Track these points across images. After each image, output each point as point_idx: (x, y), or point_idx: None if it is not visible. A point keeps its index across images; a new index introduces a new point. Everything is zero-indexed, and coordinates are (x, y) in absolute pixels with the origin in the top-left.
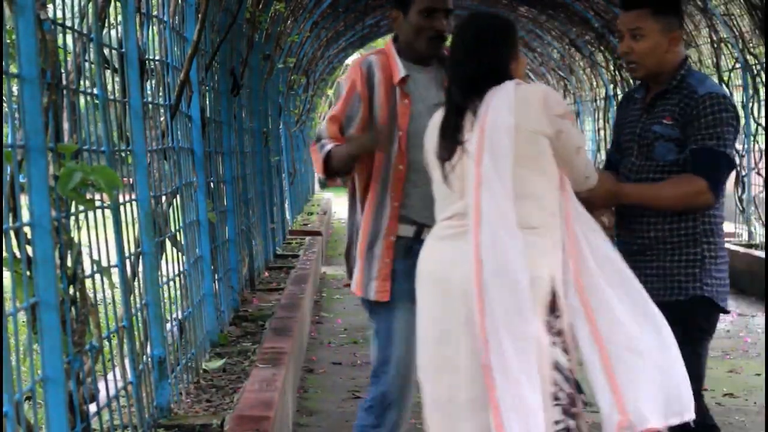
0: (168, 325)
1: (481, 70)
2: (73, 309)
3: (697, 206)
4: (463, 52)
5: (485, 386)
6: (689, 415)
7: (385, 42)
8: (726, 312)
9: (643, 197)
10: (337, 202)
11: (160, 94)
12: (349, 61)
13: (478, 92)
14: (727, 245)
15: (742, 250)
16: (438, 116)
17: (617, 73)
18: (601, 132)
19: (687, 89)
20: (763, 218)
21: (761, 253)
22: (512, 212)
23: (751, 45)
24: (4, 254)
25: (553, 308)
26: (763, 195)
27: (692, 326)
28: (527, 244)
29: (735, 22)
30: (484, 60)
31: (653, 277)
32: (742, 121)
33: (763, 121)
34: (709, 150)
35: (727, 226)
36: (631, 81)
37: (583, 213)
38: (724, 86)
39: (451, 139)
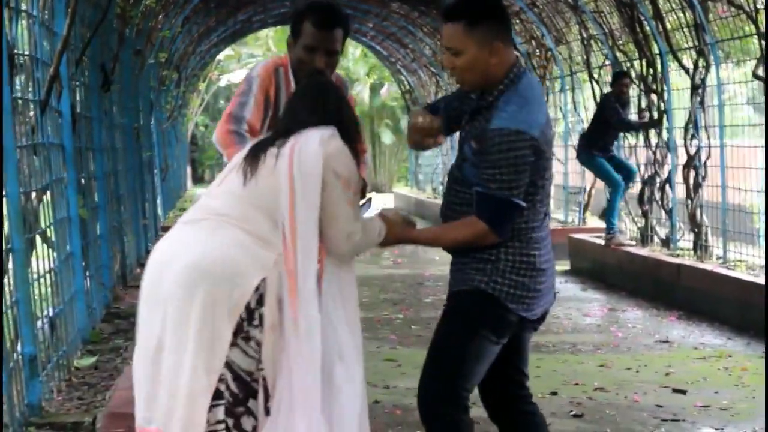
0: (39, 323)
1: (302, 118)
2: None
3: (482, 245)
4: (302, 103)
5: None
6: None
7: (266, 38)
8: (519, 316)
9: (426, 241)
10: None
11: (30, 89)
12: (221, 56)
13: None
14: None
15: (612, 245)
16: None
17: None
18: None
19: (491, 113)
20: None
21: (631, 249)
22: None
23: (620, 42)
24: None
25: (251, 316)
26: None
27: (469, 316)
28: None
29: (605, 19)
30: (308, 118)
31: (455, 271)
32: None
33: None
34: (491, 195)
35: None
36: None
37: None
38: (592, 84)
39: (255, 154)
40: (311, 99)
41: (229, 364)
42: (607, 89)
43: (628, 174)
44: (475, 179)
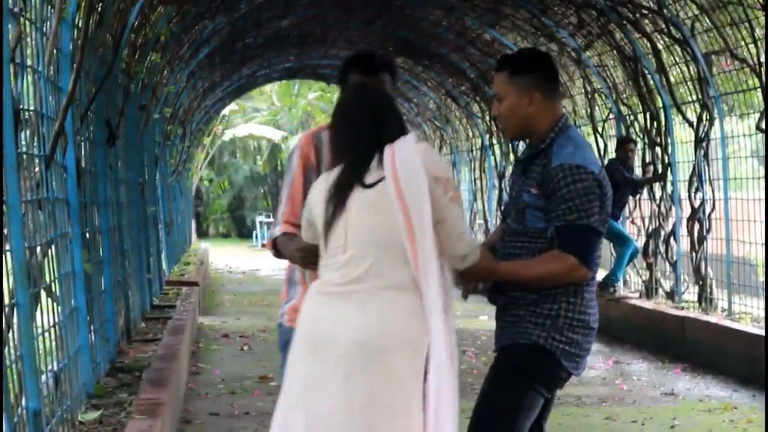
0: (43, 377)
1: (370, 130)
2: None
3: (572, 282)
4: (357, 114)
5: None
6: None
7: (270, 92)
8: (569, 373)
9: (517, 276)
10: (214, 252)
11: (35, 144)
12: (226, 111)
13: (369, 149)
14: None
15: (614, 299)
16: (324, 179)
17: (493, 123)
18: (478, 182)
19: (548, 156)
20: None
21: (636, 301)
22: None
23: (624, 95)
24: None
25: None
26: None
27: (524, 372)
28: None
29: (608, 73)
30: (373, 122)
31: (508, 324)
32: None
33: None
34: (571, 225)
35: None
36: None
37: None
38: (596, 137)
39: (338, 197)
40: (369, 116)
41: None
42: (611, 142)
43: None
44: (542, 223)
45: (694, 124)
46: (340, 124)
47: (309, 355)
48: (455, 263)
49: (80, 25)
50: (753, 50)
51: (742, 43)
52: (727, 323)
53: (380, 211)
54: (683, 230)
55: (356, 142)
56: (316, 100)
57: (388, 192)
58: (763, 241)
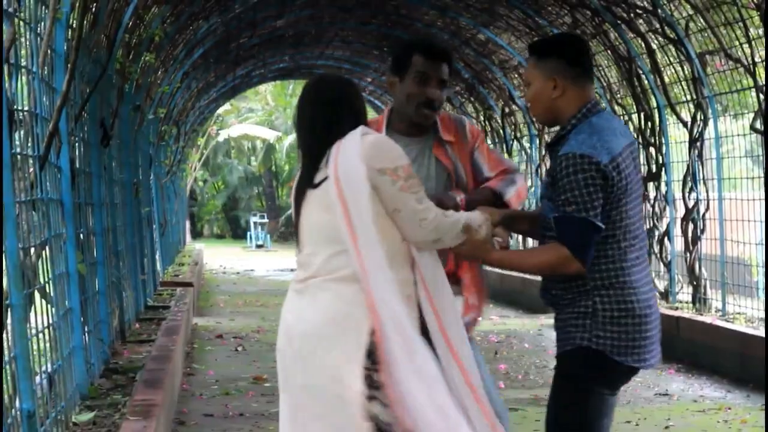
0: (37, 378)
1: (321, 130)
2: None
3: (567, 273)
4: (308, 115)
5: None
6: None
7: (265, 92)
8: (630, 367)
9: (508, 265)
10: (208, 253)
11: (29, 144)
12: (220, 111)
13: (321, 149)
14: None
15: None
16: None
17: (487, 123)
18: None
19: (562, 145)
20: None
21: None
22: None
23: (618, 95)
24: None
25: (373, 362)
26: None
27: (579, 378)
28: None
29: (603, 73)
30: (323, 121)
31: (557, 330)
32: None
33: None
34: (569, 217)
35: None
36: (500, 131)
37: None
38: None
39: (296, 199)
40: (320, 116)
41: (374, 419)
42: None
43: None
44: (551, 213)
45: (689, 124)
46: (297, 125)
47: (284, 349)
48: (425, 247)
49: (74, 25)
50: (747, 50)
51: (737, 42)
52: (722, 323)
53: (326, 209)
54: (677, 230)
55: (310, 143)
56: None
57: (330, 190)
58: (758, 241)
